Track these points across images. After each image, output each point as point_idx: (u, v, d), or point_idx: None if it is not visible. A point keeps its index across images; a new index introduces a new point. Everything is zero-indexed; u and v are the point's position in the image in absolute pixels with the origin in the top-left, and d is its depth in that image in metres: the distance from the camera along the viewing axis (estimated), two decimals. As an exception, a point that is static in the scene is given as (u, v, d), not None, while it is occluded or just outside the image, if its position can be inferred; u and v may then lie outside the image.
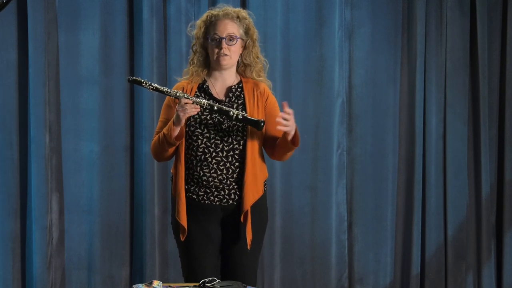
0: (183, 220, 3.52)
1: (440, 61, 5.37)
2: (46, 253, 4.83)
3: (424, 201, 5.37)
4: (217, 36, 3.52)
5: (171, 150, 3.52)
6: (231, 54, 3.53)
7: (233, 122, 3.52)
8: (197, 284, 3.31)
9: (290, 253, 5.23)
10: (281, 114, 3.44)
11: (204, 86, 3.59)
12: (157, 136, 3.55)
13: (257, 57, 3.63)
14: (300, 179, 5.22)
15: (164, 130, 3.49)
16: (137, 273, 4.99)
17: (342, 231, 5.28)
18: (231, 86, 3.61)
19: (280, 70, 5.16)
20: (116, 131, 4.97)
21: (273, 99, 3.66)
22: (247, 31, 3.58)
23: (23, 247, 4.86)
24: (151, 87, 3.45)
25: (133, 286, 3.24)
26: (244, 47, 3.59)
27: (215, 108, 3.44)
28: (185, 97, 3.43)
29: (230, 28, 3.52)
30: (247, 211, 3.53)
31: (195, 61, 3.60)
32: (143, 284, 3.24)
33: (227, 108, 3.45)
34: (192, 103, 3.42)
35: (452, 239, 5.40)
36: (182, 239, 3.54)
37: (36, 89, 4.79)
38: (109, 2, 4.93)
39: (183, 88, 3.58)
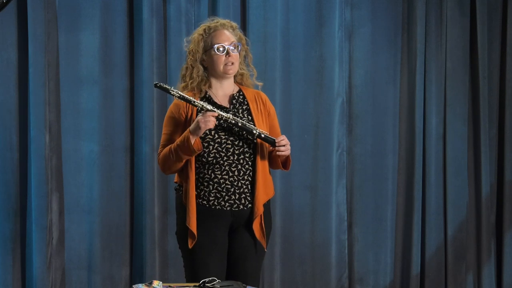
0: (193, 226, 3.53)
1: (440, 61, 5.37)
2: (46, 253, 4.83)
3: (424, 201, 5.37)
4: (222, 47, 3.57)
5: (184, 161, 3.53)
6: (235, 61, 3.60)
7: None
8: (197, 284, 3.31)
9: (290, 253, 5.23)
10: (277, 141, 3.53)
11: (207, 95, 3.63)
12: (167, 148, 3.54)
13: (249, 66, 3.71)
14: (300, 179, 5.22)
15: (178, 141, 3.49)
16: (137, 273, 4.99)
17: (342, 231, 5.28)
18: (233, 94, 3.65)
19: (280, 70, 5.16)
20: (116, 131, 4.97)
21: (273, 110, 3.74)
22: (240, 41, 3.65)
23: (23, 247, 4.86)
24: (177, 95, 3.49)
25: (133, 286, 3.24)
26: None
27: (239, 124, 3.50)
28: (211, 110, 3.47)
29: (231, 37, 3.60)
30: (259, 209, 3.58)
31: (195, 76, 3.61)
32: (143, 284, 3.24)
33: (250, 126, 3.52)
34: (218, 116, 3.46)
35: (452, 239, 5.40)
36: (190, 246, 3.55)
37: (36, 89, 4.79)
38: (109, 2, 4.93)
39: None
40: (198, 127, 3.44)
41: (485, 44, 5.38)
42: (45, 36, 4.80)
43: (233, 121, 3.49)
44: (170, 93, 3.48)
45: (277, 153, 3.54)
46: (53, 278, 4.85)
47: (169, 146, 3.54)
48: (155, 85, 3.51)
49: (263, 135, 3.51)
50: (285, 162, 3.65)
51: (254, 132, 3.50)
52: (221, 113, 3.48)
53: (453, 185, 5.40)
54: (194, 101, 3.49)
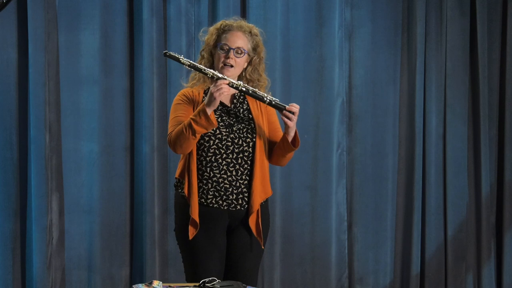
0: (195, 215, 3.53)
1: (440, 61, 5.37)
2: (46, 253, 4.83)
3: (424, 201, 5.37)
4: (226, 46, 3.59)
5: (198, 137, 3.50)
6: (236, 65, 3.60)
7: (243, 124, 3.59)
8: (197, 284, 3.31)
9: (290, 253, 5.23)
10: (288, 106, 3.52)
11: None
12: (181, 125, 3.51)
13: (261, 75, 3.70)
14: (300, 179, 5.22)
15: (192, 116, 3.47)
16: (137, 273, 4.99)
17: (342, 231, 5.28)
18: (234, 94, 3.67)
19: (280, 70, 5.16)
20: (116, 131, 4.97)
21: (272, 109, 3.72)
22: (255, 48, 3.66)
23: (23, 247, 4.86)
24: (187, 63, 3.49)
25: (133, 286, 3.24)
26: (249, 63, 3.67)
27: (250, 91, 3.51)
28: (221, 77, 3.47)
29: (241, 41, 3.60)
30: (256, 212, 3.58)
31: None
32: (143, 284, 3.24)
33: (261, 93, 3.53)
34: (228, 84, 3.46)
35: (452, 239, 5.40)
36: (190, 237, 3.55)
37: (36, 89, 4.79)
38: (109, 2, 4.94)
39: (192, 91, 3.64)
40: (212, 98, 3.43)
41: (485, 44, 5.38)
42: (45, 36, 4.80)
43: (244, 88, 3.50)
44: (180, 61, 3.49)
45: (283, 119, 3.52)
46: (53, 278, 4.86)
47: (182, 123, 3.51)
48: (165, 54, 3.50)
49: (273, 102, 3.52)
50: (294, 140, 3.60)
51: (265, 99, 3.51)
52: (232, 80, 3.49)
53: (453, 185, 5.40)
54: (204, 69, 3.50)
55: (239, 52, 3.59)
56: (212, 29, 3.65)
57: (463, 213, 5.43)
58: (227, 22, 3.64)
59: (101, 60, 4.93)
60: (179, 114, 3.59)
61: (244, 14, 5.12)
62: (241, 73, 3.67)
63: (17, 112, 4.83)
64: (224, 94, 3.44)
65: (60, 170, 4.87)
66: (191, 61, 3.51)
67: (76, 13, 4.89)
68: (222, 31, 3.62)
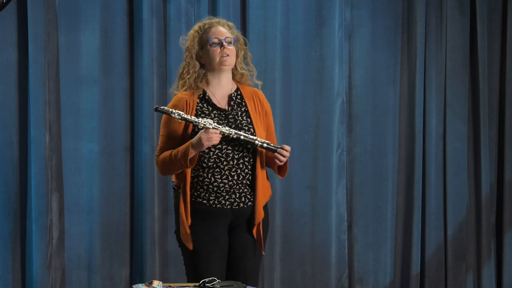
0: (186, 226, 3.55)
1: (440, 61, 5.37)
2: (46, 253, 4.83)
3: (424, 201, 5.37)
4: (217, 39, 3.58)
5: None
6: (231, 54, 3.60)
7: (243, 130, 3.58)
8: (197, 284, 3.31)
9: (290, 253, 5.23)
10: (280, 149, 3.54)
11: (206, 96, 3.63)
12: (167, 153, 3.54)
13: (248, 65, 3.72)
14: (300, 179, 5.22)
15: (181, 149, 3.48)
16: (137, 273, 4.99)
17: (342, 231, 5.29)
18: (231, 94, 3.65)
19: (280, 70, 5.16)
20: (116, 131, 4.97)
21: (269, 109, 3.75)
22: (236, 38, 3.66)
23: (23, 247, 4.86)
24: (179, 117, 3.48)
25: (133, 286, 3.25)
26: (237, 56, 3.66)
27: (242, 137, 3.52)
28: (214, 127, 3.47)
29: (226, 32, 3.62)
30: (260, 214, 3.60)
31: (191, 72, 3.62)
32: (143, 284, 3.24)
33: (252, 137, 3.53)
34: (220, 133, 3.47)
35: (452, 239, 5.40)
36: (191, 247, 3.56)
37: (36, 89, 4.79)
38: (109, 2, 4.94)
39: (186, 100, 3.60)
40: (200, 144, 3.44)
41: (485, 44, 5.38)
42: (45, 36, 4.80)
43: (235, 136, 3.51)
44: (171, 115, 3.48)
45: (274, 159, 3.57)
46: (53, 278, 4.86)
47: (169, 152, 3.53)
48: (155, 109, 3.51)
49: (265, 145, 3.53)
50: (281, 169, 3.66)
51: (257, 142, 3.52)
52: (223, 130, 3.48)
53: (453, 185, 5.40)
54: (196, 121, 3.48)
55: (229, 41, 3.60)
56: (191, 33, 3.66)
57: (463, 213, 5.43)
58: (204, 22, 3.67)
59: (101, 60, 4.93)
60: (164, 133, 3.60)
61: (244, 14, 5.12)
62: (234, 66, 3.67)
63: (17, 112, 4.83)
64: (214, 143, 3.46)
65: (60, 170, 4.87)
66: (182, 114, 3.48)
67: (76, 13, 4.89)
68: (203, 31, 3.63)
